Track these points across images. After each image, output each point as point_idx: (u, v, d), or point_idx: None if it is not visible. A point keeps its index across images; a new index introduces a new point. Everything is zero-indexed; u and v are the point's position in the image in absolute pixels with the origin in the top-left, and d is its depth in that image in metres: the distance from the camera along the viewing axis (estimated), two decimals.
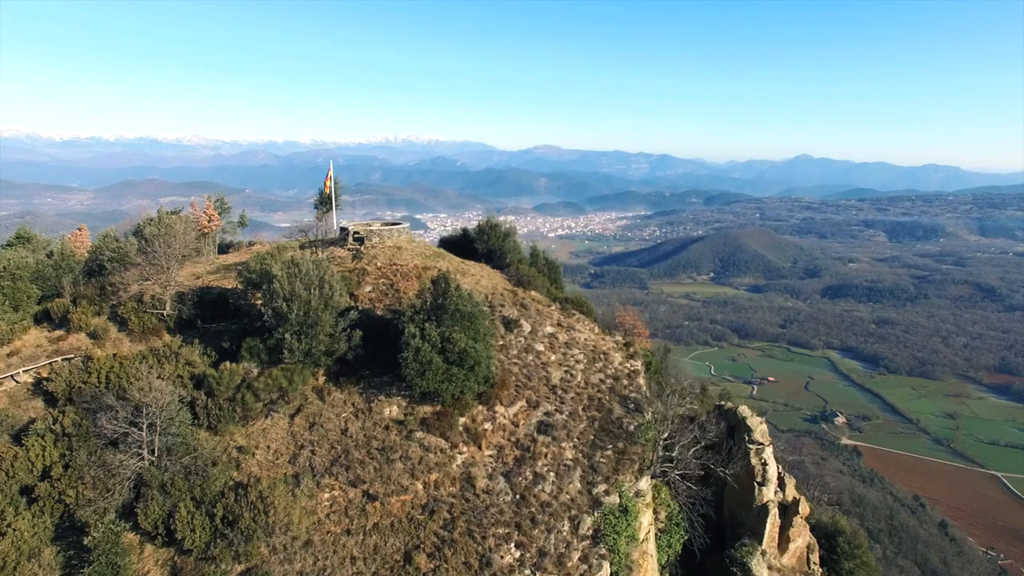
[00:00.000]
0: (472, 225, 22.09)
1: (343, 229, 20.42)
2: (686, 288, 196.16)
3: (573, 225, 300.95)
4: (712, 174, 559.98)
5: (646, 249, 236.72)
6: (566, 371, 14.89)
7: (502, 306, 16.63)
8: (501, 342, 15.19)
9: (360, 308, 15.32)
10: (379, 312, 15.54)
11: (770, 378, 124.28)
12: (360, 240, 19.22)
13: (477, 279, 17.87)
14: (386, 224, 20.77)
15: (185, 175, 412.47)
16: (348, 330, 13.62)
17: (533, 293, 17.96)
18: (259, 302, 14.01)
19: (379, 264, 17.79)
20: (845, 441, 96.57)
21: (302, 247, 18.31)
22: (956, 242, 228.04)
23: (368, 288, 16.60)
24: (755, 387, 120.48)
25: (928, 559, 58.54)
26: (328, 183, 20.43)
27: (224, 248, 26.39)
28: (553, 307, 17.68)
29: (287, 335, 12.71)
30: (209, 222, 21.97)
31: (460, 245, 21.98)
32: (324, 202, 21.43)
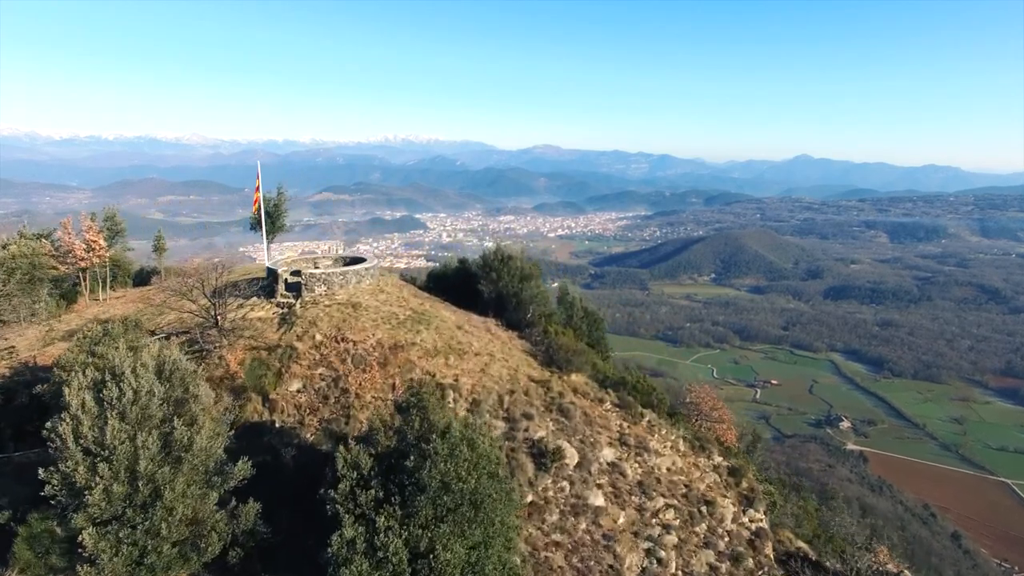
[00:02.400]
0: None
1: (271, 271, 12.81)
2: (687, 289, 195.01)
3: (573, 225, 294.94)
4: (712, 174, 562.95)
5: (647, 249, 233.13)
6: (648, 552, 8.30)
7: (528, 417, 9.71)
8: (530, 498, 8.45)
9: (277, 427, 8.53)
10: (309, 437, 8.69)
11: (773, 381, 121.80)
12: (296, 289, 11.95)
13: (484, 363, 10.74)
14: (343, 261, 13.33)
15: (184, 174, 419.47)
16: (235, 500, 6.82)
17: (574, 378, 11.01)
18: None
19: (319, 337, 10.65)
20: (851, 446, 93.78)
21: (215, 295, 11.11)
22: (958, 243, 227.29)
23: (296, 385, 9.69)
24: (758, 390, 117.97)
25: (943, 572, 55.13)
26: (257, 196, 13.17)
27: (145, 277, 19.68)
28: (607, 403, 10.81)
29: (87, 531, 5.92)
30: (89, 252, 14.84)
31: (457, 285, 14.66)
32: (264, 223, 14.28)
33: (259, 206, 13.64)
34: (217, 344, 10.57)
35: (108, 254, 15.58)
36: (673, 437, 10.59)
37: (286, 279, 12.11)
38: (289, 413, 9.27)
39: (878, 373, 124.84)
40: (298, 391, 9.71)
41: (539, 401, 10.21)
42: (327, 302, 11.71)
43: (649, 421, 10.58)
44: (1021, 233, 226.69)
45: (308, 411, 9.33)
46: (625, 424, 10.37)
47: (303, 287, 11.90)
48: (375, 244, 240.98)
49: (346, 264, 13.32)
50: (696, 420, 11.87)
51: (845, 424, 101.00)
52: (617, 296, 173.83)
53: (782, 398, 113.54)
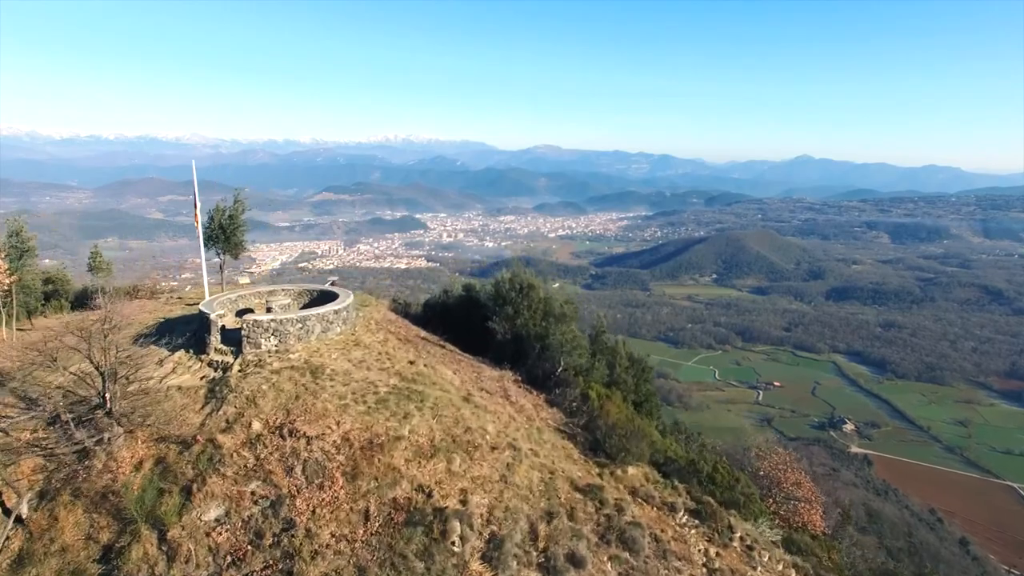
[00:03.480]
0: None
1: (203, 315, 9.09)
2: (688, 290, 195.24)
3: (574, 225, 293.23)
4: (712, 174, 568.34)
5: (648, 250, 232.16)
6: None
7: (576, 563, 5.99)
8: None
9: None
10: None
11: (776, 383, 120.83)
12: (235, 342, 8.18)
13: (506, 463, 6.96)
14: (308, 295, 9.32)
15: (184, 174, 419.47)
16: None
17: (632, 472, 7.67)
18: None
19: (257, 425, 7.12)
20: (855, 450, 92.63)
21: (106, 355, 6.84)
22: (960, 244, 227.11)
23: (214, 512, 6.03)
24: (760, 392, 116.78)
25: None
26: (196, 210, 9.84)
27: (87, 300, 16.47)
28: (680, 512, 7.16)
29: None
30: None
31: (461, 319, 11.08)
32: (214, 238, 11.01)
33: (209, 219, 10.32)
34: (108, 434, 6.98)
35: (10, 279, 12.38)
36: (780, 567, 6.83)
37: (223, 326, 8.41)
38: (199, 563, 5.63)
39: (881, 375, 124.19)
40: (217, 523, 6.05)
41: (590, 525, 6.59)
42: (277, 364, 7.98)
43: (742, 538, 6.94)
44: (1023, 234, 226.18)
45: (229, 561, 5.64)
46: (712, 548, 6.96)
47: (247, 338, 8.13)
48: (375, 244, 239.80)
49: (312, 301, 9.47)
50: (772, 499, 8.73)
51: (849, 427, 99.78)
52: (618, 296, 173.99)
53: (785, 400, 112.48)
